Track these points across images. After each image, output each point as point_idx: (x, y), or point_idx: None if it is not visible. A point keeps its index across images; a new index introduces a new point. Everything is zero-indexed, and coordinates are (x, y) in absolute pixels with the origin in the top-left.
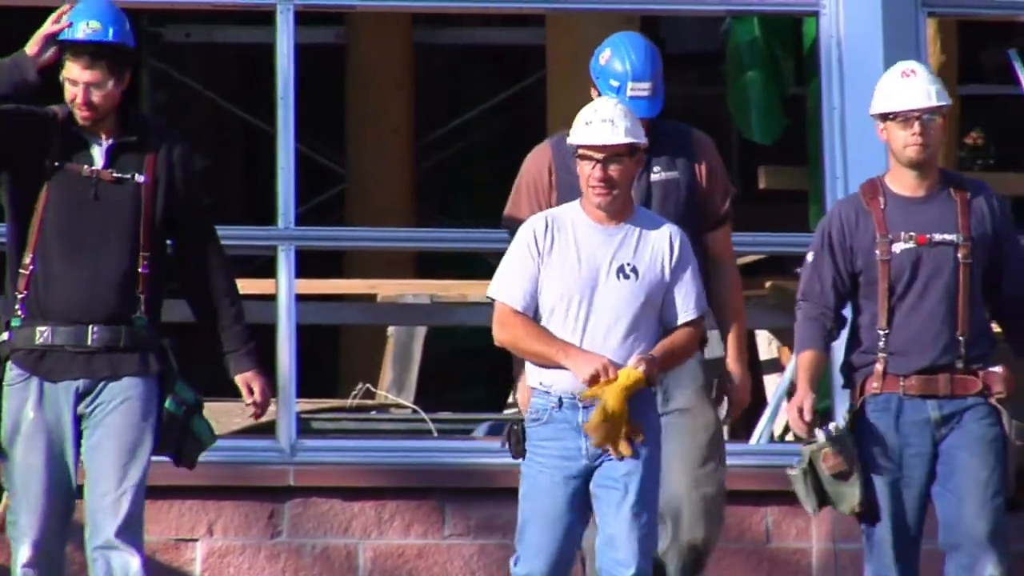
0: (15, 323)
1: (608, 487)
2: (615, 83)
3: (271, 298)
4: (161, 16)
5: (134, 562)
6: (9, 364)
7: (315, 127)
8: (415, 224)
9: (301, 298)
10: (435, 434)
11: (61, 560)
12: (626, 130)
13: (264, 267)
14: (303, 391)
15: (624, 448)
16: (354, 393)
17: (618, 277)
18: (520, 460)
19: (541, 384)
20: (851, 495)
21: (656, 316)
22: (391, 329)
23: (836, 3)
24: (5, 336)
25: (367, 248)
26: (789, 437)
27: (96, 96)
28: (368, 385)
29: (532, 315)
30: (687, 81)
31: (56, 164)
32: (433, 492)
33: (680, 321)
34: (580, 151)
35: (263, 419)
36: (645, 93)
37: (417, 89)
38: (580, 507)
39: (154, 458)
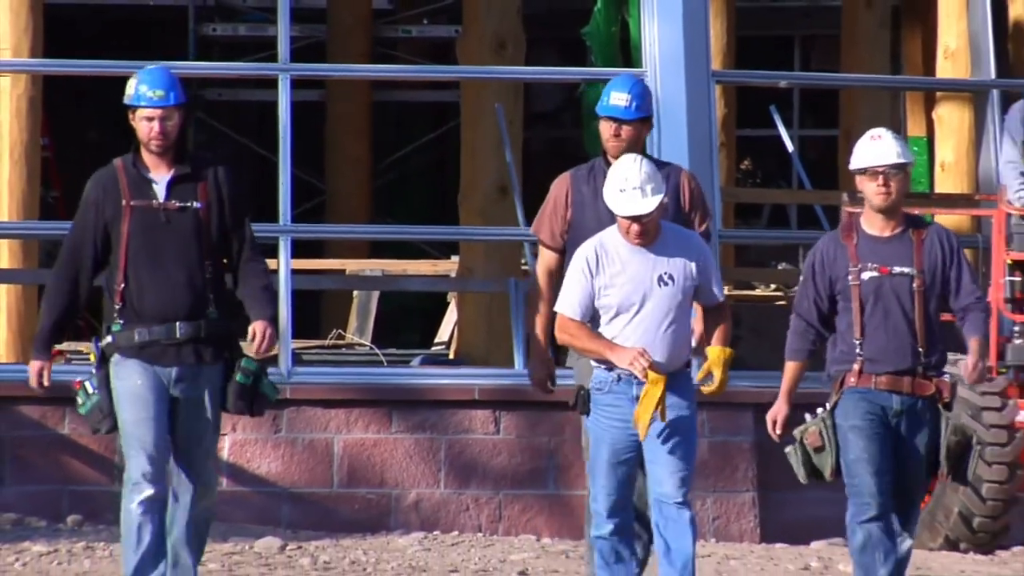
0: (116, 328)
1: (658, 442)
2: (605, 98)
3: (274, 272)
4: (203, 81)
5: (206, 525)
6: (115, 355)
7: (305, 157)
8: (371, 223)
9: (295, 272)
10: (385, 364)
11: (167, 500)
12: (653, 191)
13: (269, 251)
14: (296, 334)
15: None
16: (330, 336)
17: (660, 285)
18: (585, 417)
19: (605, 365)
20: (828, 464)
21: (689, 306)
22: (355, 292)
23: (655, 73)
24: (109, 339)
25: (339, 238)
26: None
27: (168, 126)
28: (340, 331)
29: (588, 321)
30: (560, 126)
31: (132, 203)
32: (384, 403)
33: (717, 300)
34: (620, 217)
35: (270, 354)
36: (621, 102)
37: (373, 132)
38: (635, 456)
39: None
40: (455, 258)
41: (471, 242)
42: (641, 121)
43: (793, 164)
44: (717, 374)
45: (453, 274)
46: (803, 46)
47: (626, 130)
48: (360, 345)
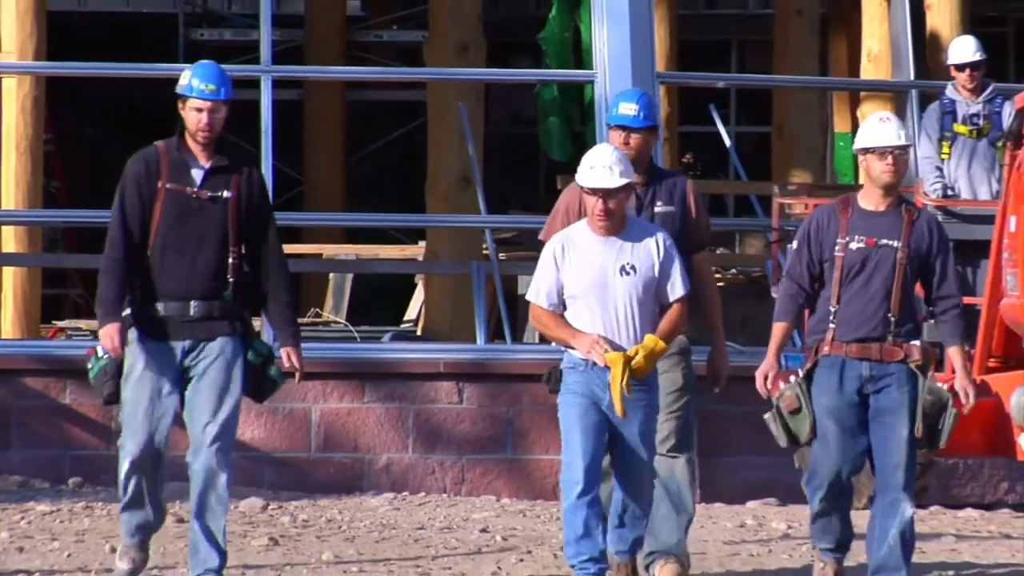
0: (135, 301)
1: (621, 440)
2: (614, 109)
3: None
4: None
5: (222, 476)
6: (132, 329)
7: (285, 151)
8: (346, 211)
9: None
10: (358, 339)
11: (156, 476)
12: (620, 173)
13: None
14: None
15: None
16: (308, 314)
17: (621, 274)
18: (556, 394)
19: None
20: (804, 427)
21: (654, 298)
22: (331, 275)
23: (604, 75)
24: (129, 311)
25: (316, 225)
26: None
27: (216, 119)
28: (317, 309)
29: (557, 309)
30: (517, 123)
31: (168, 186)
32: (357, 375)
33: (671, 299)
34: (586, 189)
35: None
36: (631, 112)
37: (347, 128)
38: (603, 426)
39: None
40: (422, 243)
41: (437, 228)
42: (648, 130)
43: (730, 158)
44: (640, 356)
45: (420, 257)
46: (739, 50)
47: (635, 138)
48: (335, 323)
